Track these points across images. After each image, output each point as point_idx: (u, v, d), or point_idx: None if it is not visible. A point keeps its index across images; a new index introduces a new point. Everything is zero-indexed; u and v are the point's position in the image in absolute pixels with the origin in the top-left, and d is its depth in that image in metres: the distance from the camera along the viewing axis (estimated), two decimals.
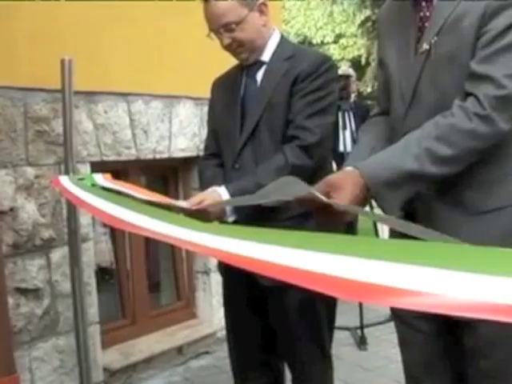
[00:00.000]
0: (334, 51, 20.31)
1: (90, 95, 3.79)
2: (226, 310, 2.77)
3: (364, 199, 1.72)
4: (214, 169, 2.68)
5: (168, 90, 4.27)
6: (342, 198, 1.65)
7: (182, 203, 2.29)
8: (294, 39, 20.80)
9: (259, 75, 2.55)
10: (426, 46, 1.85)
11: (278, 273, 0.94)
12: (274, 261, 0.98)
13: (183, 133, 4.41)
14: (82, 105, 3.73)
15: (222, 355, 2.98)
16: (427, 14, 1.89)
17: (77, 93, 3.49)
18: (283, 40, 2.60)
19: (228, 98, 2.64)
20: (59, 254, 3.58)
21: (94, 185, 2.33)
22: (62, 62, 3.22)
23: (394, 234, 1.96)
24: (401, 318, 2.05)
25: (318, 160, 2.40)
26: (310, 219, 2.07)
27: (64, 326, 3.61)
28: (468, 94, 1.75)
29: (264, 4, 2.49)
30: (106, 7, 3.76)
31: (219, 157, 2.68)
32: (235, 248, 1.12)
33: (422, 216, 1.90)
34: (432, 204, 1.88)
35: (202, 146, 4.29)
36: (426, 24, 1.88)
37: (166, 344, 4.38)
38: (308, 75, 2.44)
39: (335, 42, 20.98)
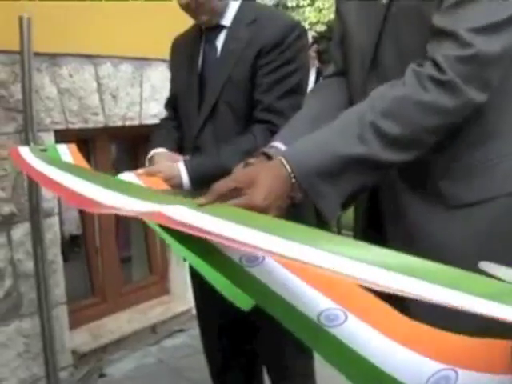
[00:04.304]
0: (309, 14, 19.97)
1: (54, 57, 3.50)
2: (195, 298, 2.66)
3: (288, 196, 1.32)
4: (167, 130, 2.48)
5: (138, 52, 3.99)
6: (254, 196, 1.26)
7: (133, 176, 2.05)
8: (268, 2, 20.46)
9: (219, 41, 2.30)
10: None
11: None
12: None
13: (155, 98, 4.13)
14: (44, 68, 3.44)
15: (196, 333, 2.81)
16: None
17: (39, 55, 3.28)
18: (245, 1, 2.34)
19: (186, 65, 2.41)
20: (21, 231, 3.31)
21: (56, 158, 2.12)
22: (20, 20, 2.98)
23: None
24: None
25: None
26: None
27: (28, 307, 3.36)
28: (427, 58, 1.35)
29: None
30: None
31: (177, 120, 2.48)
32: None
33: (390, 216, 1.56)
34: (402, 199, 1.52)
35: None
36: None
37: (139, 323, 4.16)
38: (274, 46, 2.18)
39: (310, 4, 20.59)
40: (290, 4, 20.77)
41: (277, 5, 20.39)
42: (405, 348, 0.78)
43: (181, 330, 4.37)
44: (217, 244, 1.04)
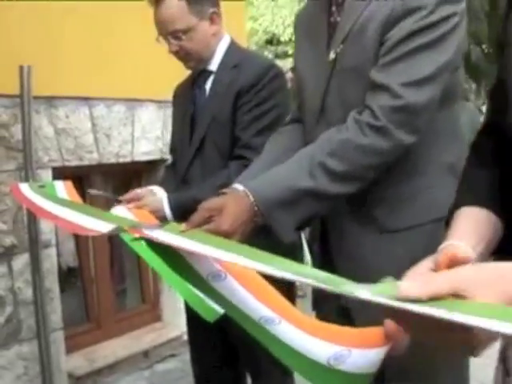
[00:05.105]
0: None
1: (51, 100, 3.75)
2: (187, 326, 2.82)
3: (250, 221, 1.57)
4: (167, 172, 2.79)
5: (130, 94, 4.24)
6: (222, 222, 1.50)
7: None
8: (262, 37, 20.82)
9: (208, 85, 2.53)
10: (332, 55, 1.71)
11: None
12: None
13: (146, 137, 4.39)
14: (42, 110, 3.70)
15: (187, 358, 2.99)
16: (338, 19, 1.73)
17: (37, 98, 3.51)
18: (231, 47, 2.56)
19: (182, 108, 2.65)
20: (21, 261, 3.54)
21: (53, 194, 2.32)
22: (21, 68, 3.23)
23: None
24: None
25: None
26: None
27: (27, 333, 3.58)
28: (366, 107, 1.61)
29: (216, 13, 2.47)
30: (64, 12, 3.73)
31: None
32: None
33: (334, 234, 1.81)
34: (343, 221, 1.76)
35: (165, 149, 4.31)
36: (337, 30, 1.72)
37: (132, 348, 4.36)
38: (251, 87, 2.39)
39: None
40: (282, 39, 21.07)
41: (271, 39, 20.76)
42: (314, 337, 1.06)
43: (172, 355, 4.58)
44: (189, 260, 1.29)
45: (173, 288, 1.44)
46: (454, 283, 0.81)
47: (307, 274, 0.96)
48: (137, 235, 1.35)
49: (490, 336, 0.70)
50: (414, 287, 0.81)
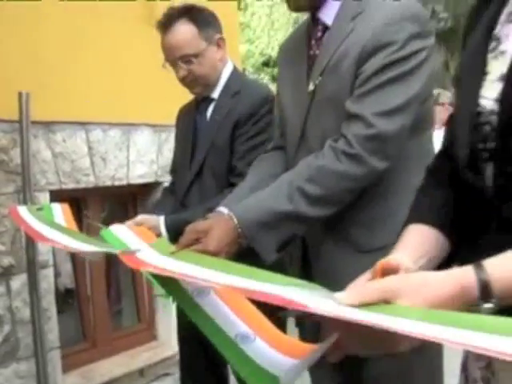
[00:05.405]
0: None
1: (49, 125, 3.85)
2: (179, 345, 2.90)
3: (235, 242, 1.68)
4: (164, 193, 2.85)
5: (126, 118, 4.32)
6: (208, 243, 1.61)
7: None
8: (258, 59, 20.98)
9: (209, 112, 2.59)
10: (311, 87, 1.81)
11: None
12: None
13: (141, 160, 4.48)
14: (40, 134, 3.79)
15: None
16: (316, 52, 1.84)
17: (36, 123, 3.61)
18: (233, 74, 2.62)
19: (183, 133, 2.71)
20: (19, 281, 3.63)
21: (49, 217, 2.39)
22: (20, 95, 3.33)
23: None
24: None
25: None
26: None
27: (25, 351, 3.65)
28: (341, 135, 1.72)
29: (221, 38, 2.54)
30: (62, 38, 3.84)
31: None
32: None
33: (313, 253, 1.91)
34: (321, 240, 1.86)
35: (160, 173, 4.41)
36: (315, 63, 1.84)
37: (127, 367, 4.41)
38: (248, 118, 2.45)
39: None
40: None
41: (267, 62, 20.88)
42: (279, 353, 1.16)
43: (166, 374, 4.63)
44: (179, 279, 1.39)
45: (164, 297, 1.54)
46: (382, 291, 0.93)
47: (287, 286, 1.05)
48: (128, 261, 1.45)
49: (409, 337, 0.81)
50: (348, 296, 0.93)
